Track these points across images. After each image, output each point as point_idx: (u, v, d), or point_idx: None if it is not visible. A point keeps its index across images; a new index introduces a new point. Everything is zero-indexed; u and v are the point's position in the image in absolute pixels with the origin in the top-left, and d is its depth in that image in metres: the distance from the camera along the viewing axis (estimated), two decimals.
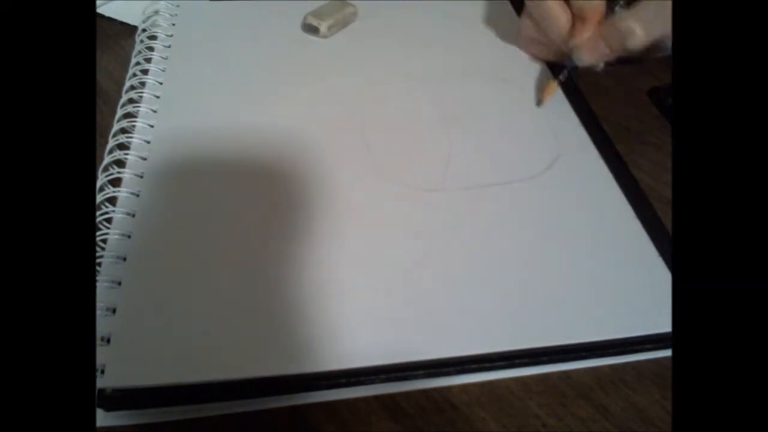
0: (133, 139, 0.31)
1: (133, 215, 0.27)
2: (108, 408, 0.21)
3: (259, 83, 0.35)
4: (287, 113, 0.33)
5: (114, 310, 0.24)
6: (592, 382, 0.24)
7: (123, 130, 0.31)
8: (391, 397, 0.23)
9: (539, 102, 0.35)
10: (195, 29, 0.39)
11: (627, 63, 0.35)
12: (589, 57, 0.33)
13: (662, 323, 0.25)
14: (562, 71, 0.35)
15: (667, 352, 0.25)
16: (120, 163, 0.30)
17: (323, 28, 0.39)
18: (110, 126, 0.31)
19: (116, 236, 0.26)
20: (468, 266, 0.26)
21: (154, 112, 0.33)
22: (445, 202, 0.29)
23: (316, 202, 0.29)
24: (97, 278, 0.25)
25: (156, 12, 0.39)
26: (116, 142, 0.30)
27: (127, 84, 0.34)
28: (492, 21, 0.41)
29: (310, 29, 0.39)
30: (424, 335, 0.24)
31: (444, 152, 0.32)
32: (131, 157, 0.30)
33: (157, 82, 0.34)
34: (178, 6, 0.41)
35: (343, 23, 0.40)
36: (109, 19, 0.41)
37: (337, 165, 0.30)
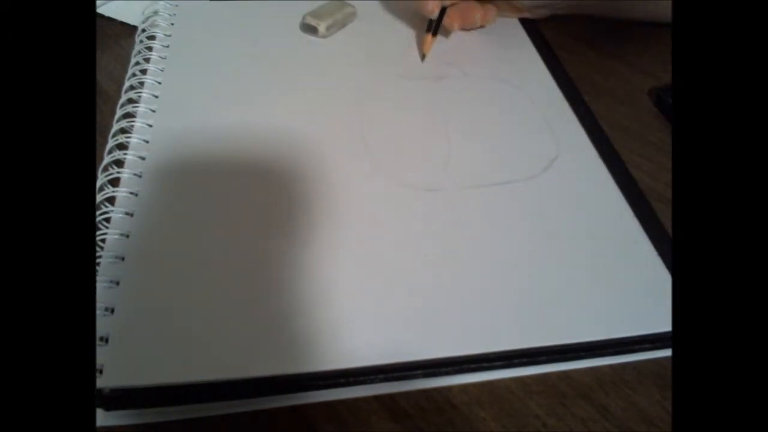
0: (131, 139, 0.31)
1: (132, 215, 0.27)
2: (107, 408, 0.21)
3: (258, 83, 0.35)
4: (286, 113, 0.33)
5: (112, 310, 0.24)
6: (592, 382, 0.24)
7: (122, 130, 0.31)
8: (391, 397, 0.23)
9: (423, 56, 0.38)
10: (194, 29, 0.39)
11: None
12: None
13: (662, 323, 0.25)
14: (430, 24, 0.38)
15: (667, 352, 0.25)
16: (120, 163, 0.30)
17: (322, 28, 0.39)
18: (110, 126, 0.31)
19: (115, 236, 0.26)
20: (467, 266, 0.26)
21: (153, 111, 0.33)
22: (445, 201, 0.29)
23: (314, 201, 0.29)
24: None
25: (155, 12, 0.39)
26: (116, 142, 0.30)
27: (127, 84, 0.34)
28: (494, 25, 0.41)
29: (309, 29, 0.39)
30: (423, 335, 0.24)
31: (443, 152, 0.32)
32: (130, 156, 0.30)
33: (156, 81, 0.34)
34: (177, 6, 0.41)
35: (342, 23, 0.40)
36: (109, 19, 0.41)
37: (336, 165, 0.30)
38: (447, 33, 0.39)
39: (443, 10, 0.37)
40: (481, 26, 0.40)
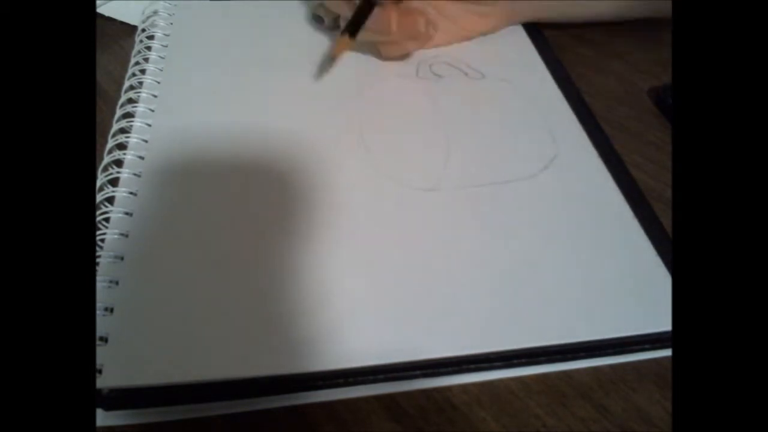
0: (130, 139, 0.31)
1: (131, 214, 0.27)
2: (106, 408, 0.21)
3: (257, 83, 0.35)
4: (285, 113, 0.33)
5: (111, 310, 0.24)
6: (592, 382, 0.24)
7: (122, 130, 0.31)
8: (391, 397, 0.23)
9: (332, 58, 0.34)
10: (193, 29, 0.39)
11: None
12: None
13: (662, 323, 0.25)
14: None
15: (667, 352, 0.25)
16: (119, 163, 0.30)
17: (328, 19, 0.39)
18: (110, 126, 0.31)
19: (114, 236, 0.26)
20: (466, 265, 0.26)
21: (152, 111, 0.33)
22: (443, 201, 0.29)
23: (314, 201, 0.29)
24: None
25: (155, 12, 0.39)
26: (115, 142, 0.30)
27: (126, 84, 0.34)
28: None
29: (317, 19, 0.40)
30: (423, 335, 0.24)
31: (442, 152, 0.32)
32: (129, 156, 0.30)
33: (155, 81, 0.34)
34: (176, 6, 0.41)
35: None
36: (109, 19, 0.41)
37: (335, 164, 0.30)
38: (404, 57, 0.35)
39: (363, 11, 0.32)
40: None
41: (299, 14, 0.41)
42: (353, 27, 0.31)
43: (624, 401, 0.24)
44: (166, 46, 0.37)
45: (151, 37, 0.37)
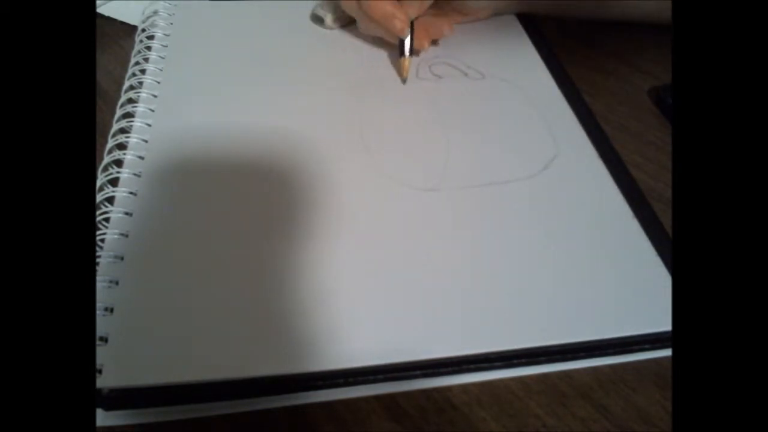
0: (130, 139, 0.31)
1: (131, 214, 0.27)
2: (106, 408, 0.21)
3: (257, 83, 0.35)
4: (285, 113, 0.33)
5: (111, 310, 0.24)
6: (592, 382, 0.24)
7: (122, 130, 0.31)
8: (391, 397, 0.23)
9: (404, 80, 0.36)
10: (193, 29, 0.39)
11: None
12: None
13: (662, 323, 0.25)
14: (403, 46, 0.36)
15: (667, 352, 0.25)
16: (119, 163, 0.30)
17: (328, 19, 0.39)
18: (110, 126, 0.31)
19: (114, 236, 0.26)
20: (466, 266, 0.26)
21: (152, 111, 0.33)
22: (443, 201, 0.29)
23: (314, 201, 0.29)
24: None
25: (155, 12, 0.39)
26: (115, 142, 0.30)
27: (126, 84, 0.34)
28: (493, 24, 0.41)
29: (317, 19, 0.40)
30: (423, 335, 0.24)
31: (442, 151, 0.32)
32: (129, 156, 0.30)
33: (155, 81, 0.34)
34: (176, 6, 0.41)
35: (351, 18, 0.40)
36: (109, 19, 0.41)
37: (335, 164, 0.30)
38: (417, 53, 0.38)
39: (412, 27, 0.36)
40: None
41: (299, 14, 0.41)
42: (411, 47, 0.36)
43: (624, 401, 0.24)
44: (166, 46, 0.37)
45: (151, 37, 0.38)
